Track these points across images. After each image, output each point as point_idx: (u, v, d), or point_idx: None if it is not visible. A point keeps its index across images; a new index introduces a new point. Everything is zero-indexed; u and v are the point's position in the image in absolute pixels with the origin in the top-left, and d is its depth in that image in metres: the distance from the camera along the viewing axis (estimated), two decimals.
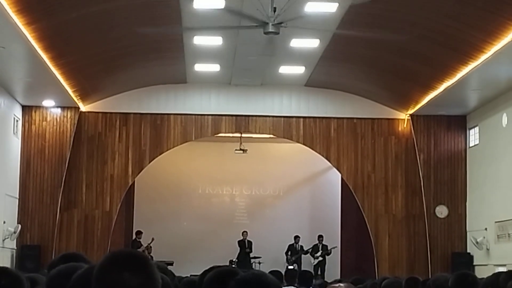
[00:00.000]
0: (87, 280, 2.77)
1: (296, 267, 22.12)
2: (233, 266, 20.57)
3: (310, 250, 23.50)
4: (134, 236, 23.48)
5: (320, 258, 23.30)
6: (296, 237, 23.63)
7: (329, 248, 23.32)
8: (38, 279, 4.28)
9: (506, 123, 18.97)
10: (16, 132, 20.28)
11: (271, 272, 9.08)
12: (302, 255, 23.54)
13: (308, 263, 23.43)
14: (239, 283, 2.83)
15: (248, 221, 25.18)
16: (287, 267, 22.09)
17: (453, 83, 17.99)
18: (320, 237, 23.57)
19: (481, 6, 14.16)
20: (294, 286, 9.92)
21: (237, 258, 22.98)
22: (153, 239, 22.75)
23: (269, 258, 22.66)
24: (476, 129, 21.03)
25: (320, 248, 23.40)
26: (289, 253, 23.41)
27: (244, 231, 23.53)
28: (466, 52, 16.19)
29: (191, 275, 5.92)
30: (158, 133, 21.55)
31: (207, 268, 4.09)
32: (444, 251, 21.25)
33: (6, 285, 3.22)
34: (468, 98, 19.72)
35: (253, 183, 25.54)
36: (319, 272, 22.86)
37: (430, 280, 7.53)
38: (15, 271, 3.37)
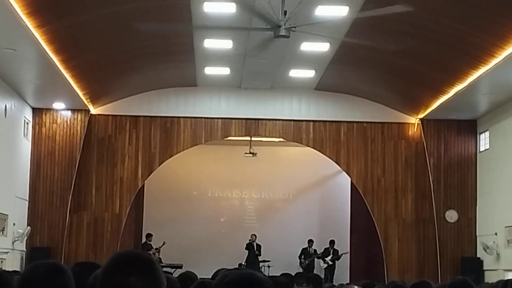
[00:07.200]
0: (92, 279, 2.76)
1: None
2: None
3: (320, 255, 23.49)
4: (144, 239, 23.53)
5: (330, 263, 23.26)
6: (310, 241, 23.61)
7: (340, 253, 23.28)
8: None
9: None
10: (27, 134, 20.32)
11: (282, 275, 9.04)
12: (315, 259, 23.55)
13: (319, 267, 23.44)
14: (229, 285, 2.73)
15: (258, 224, 25.15)
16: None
17: (463, 88, 17.94)
18: (332, 242, 23.54)
19: (492, 10, 14.11)
20: None
21: (245, 262, 22.92)
22: (164, 243, 22.77)
23: (278, 262, 22.61)
24: (487, 133, 20.95)
25: (331, 253, 23.36)
26: (303, 256, 23.39)
27: (252, 234, 23.49)
28: (477, 56, 16.14)
29: (200, 279, 5.86)
30: (168, 136, 21.56)
31: (216, 270, 4.06)
32: (454, 256, 21.17)
33: None
34: (478, 103, 19.66)
35: (263, 186, 25.51)
36: (328, 276, 22.84)
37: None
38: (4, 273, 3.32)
